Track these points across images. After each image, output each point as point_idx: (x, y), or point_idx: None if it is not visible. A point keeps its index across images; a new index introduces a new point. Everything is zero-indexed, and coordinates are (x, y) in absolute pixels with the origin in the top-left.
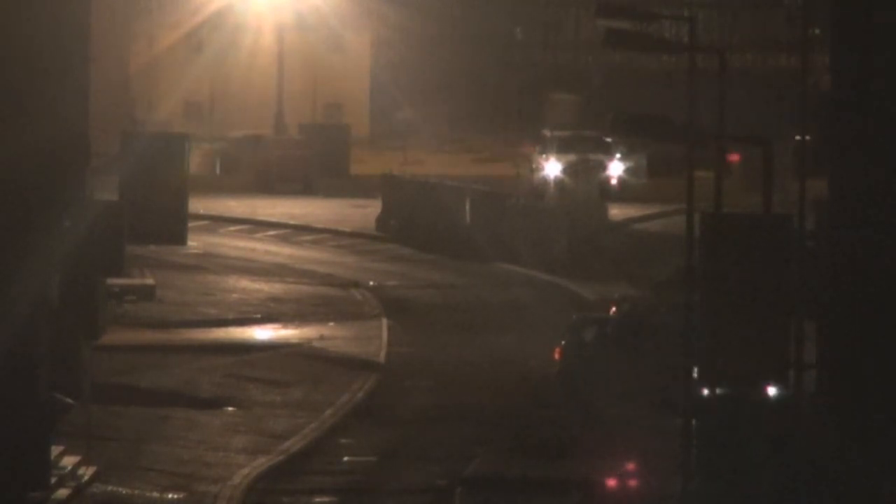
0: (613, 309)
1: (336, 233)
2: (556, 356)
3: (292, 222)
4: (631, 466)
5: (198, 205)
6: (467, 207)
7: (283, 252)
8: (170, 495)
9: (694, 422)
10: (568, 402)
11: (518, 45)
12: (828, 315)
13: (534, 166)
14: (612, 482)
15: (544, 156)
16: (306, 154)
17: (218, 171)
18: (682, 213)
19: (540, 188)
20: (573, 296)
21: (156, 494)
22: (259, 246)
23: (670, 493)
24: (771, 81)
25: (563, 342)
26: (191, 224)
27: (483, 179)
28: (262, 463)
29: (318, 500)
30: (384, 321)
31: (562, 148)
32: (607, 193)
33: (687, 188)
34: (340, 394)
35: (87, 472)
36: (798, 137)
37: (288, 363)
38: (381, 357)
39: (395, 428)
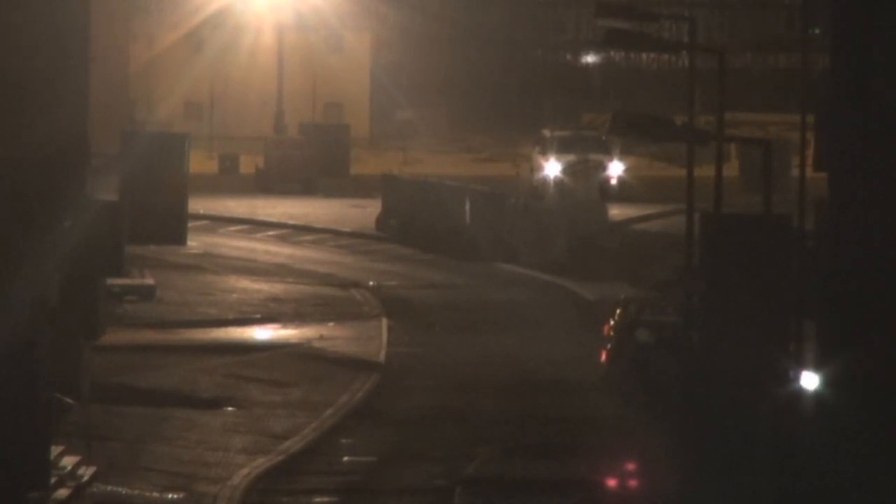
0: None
1: (336, 233)
2: (602, 359)
3: (292, 222)
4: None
5: (198, 205)
6: (467, 207)
7: (283, 252)
8: (170, 495)
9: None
10: (620, 406)
11: (518, 45)
12: (828, 315)
13: (534, 166)
14: (612, 482)
15: (544, 156)
16: (306, 154)
17: None
18: (682, 213)
19: (540, 188)
20: (573, 296)
21: (156, 494)
22: (259, 246)
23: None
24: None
25: (608, 345)
26: (191, 224)
27: (483, 179)
28: (261, 463)
29: (318, 500)
30: (384, 321)
31: (562, 148)
32: (607, 193)
33: (687, 188)
34: (340, 394)
35: (87, 472)
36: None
37: (288, 363)
38: (381, 357)
39: (395, 428)
